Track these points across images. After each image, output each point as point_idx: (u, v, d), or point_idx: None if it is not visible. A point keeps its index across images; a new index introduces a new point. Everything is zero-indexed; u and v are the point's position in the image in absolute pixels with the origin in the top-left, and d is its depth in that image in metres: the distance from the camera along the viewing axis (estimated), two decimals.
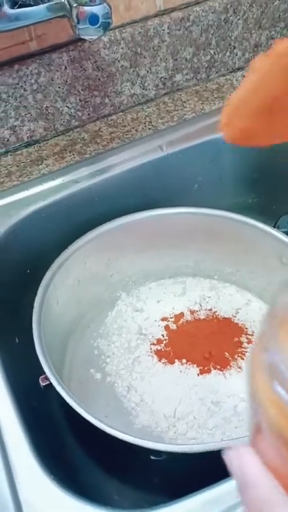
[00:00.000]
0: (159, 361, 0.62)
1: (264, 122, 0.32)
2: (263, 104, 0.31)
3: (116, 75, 0.73)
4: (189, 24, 0.74)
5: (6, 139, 0.71)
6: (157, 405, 0.58)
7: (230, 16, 0.77)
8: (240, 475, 0.23)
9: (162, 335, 0.65)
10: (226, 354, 0.62)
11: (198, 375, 0.61)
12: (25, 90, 0.68)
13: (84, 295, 0.67)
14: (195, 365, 0.61)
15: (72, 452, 0.58)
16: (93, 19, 0.55)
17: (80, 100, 0.73)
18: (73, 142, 0.73)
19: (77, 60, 0.69)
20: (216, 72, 0.82)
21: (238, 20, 0.78)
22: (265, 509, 0.22)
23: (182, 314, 0.67)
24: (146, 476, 0.53)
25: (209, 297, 0.69)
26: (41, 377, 0.51)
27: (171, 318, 0.67)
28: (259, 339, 0.24)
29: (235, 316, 0.67)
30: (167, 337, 0.65)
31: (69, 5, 0.56)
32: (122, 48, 0.71)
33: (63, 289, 0.61)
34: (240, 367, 0.61)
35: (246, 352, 0.63)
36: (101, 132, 0.75)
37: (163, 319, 0.67)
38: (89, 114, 0.75)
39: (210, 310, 0.68)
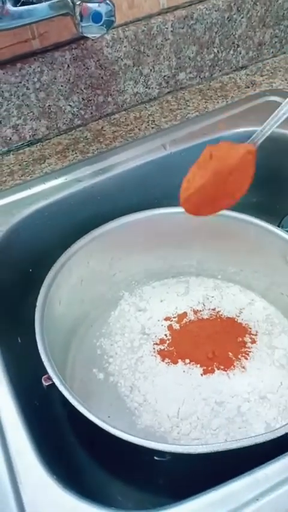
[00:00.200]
0: (163, 361, 0.62)
1: (210, 202, 0.49)
2: (208, 193, 0.48)
3: (119, 73, 0.73)
4: (192, 23, 0.74)
5: (8, 138, 0.71)
6: (160, 405, 0.58)
7: (234, 14, 0.76)
8: None
9: (166, 335, 0.65)
10: (230, 353, 0.62)
11: (201, 375, 0.60)
12: (28, 88, 0.68)
13: (87, 295, 0.66)
14: (198, 365, 0.61)
15: (75, 453, 0.57)
16: (96, 17, 0.55)
17: (82, 99, 0.73)
18: (76, 141, 0.73)
19: (79, 58, 0.69)
20: (220, 71, 0.82)
21: (242, 18, 0.77)
22: None
23: (185, 314, 0.67)
24: (149, 477, 0.53)
25: (213, 297, 0.69)
26: (43, 377, 0.50)
27: (174, 317, 0.67)
28: None
29: (239, 316, 0.67)
30: (170, 337, 0.65)
31: (72, 3, 0.56)
32: (125, 46, 0.71)
33: (65, 289, 0.61)
34: (244, 367, 0.61)
35: (250, 352, 0.63)
36: (104, 131, 0.74)
37: (166, 319, 0.67)
38: (91, 113, 0.75)
39: (214, 309, 0.68)
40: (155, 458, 0.46)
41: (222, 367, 0.61)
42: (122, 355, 0.63)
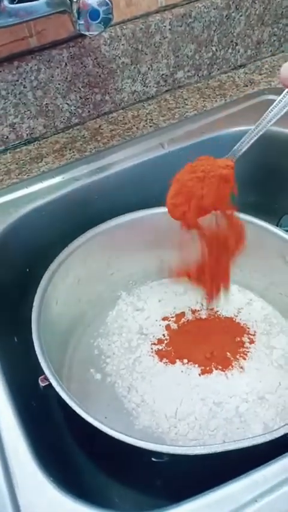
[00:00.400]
0: (160, 361, 0.62)
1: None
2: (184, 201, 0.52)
3: (116, 72, 0.73)
4: (191, 21, 0.73)
5: (5, 137, 0.70)
6: (158, 406, 0.57)
7: (232, 12, 0.76)
8: None
9: (163, 335, 0.65)
10: (228, 354, 0.62)
11: (199, 375, 0.60)
12: (25, 87, 0.67)
13: (85, 294, 0.66)
14: (196, 365, 0.61)
15: (72, 454, 0.57)
16: (93, 14, 0.55)
17: (80, 97, 0.72)
18: (73, 140, 0.73)
19: (77, 56, 0.69)
20: (218, 69, 0.81)
21: (240, 16, 0.77)
22: None
23: (183, 313, 0.67)
24: (147, 479, 0.53)
25: None
26: (40, 377, 0.50)
27: (172, 317, 0.66)
28: None
29: (237, 316, 0.67)
30: (168, 337, 0.64)
31: (70, 0, 0.55)
32: (122, 44, 0.70)
33: (63, 288, 0.60)
34: (242, 367, 0.60)
35: (248, 352, 0.62)
36: (102, 129, 0.74)
37: (164, 319, 0.66)
38: (89, 112, 0.74)
39: (212, 309, 0.67)
40: (153, 459, 0.45)
41: (220, 367, 0.61)
42: (119, 355, 0.63)
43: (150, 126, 0.73)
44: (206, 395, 0.58)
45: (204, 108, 0.75)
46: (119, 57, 0.71)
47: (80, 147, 0.71)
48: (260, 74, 0.81)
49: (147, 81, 0.76)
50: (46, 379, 0.48)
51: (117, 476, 0.55)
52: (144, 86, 0.76)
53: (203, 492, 0.39)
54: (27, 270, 0.65)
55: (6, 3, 0.55)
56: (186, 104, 0.77)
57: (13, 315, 0.61)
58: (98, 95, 0.73)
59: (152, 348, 0.63)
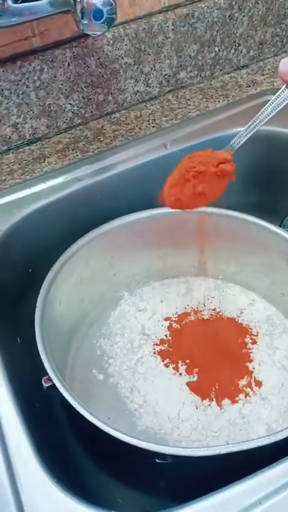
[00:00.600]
0: (163, 361, 0.62)
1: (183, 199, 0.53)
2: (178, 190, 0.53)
3: (119, 72, 0.72)
4: (193, 21, 0.73)
5: (8, 137, 0.70)
6: (161, 407, 0.57)
7: (235, 13, 0.76)
8: None
9: (166, 335, 0.64)
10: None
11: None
12: (28, 87, 0.67)
13: (87, 295, 0.66)
14: (199, 366, 0.61)
15: (75, 455, 0.57)
16: (97, 14, 0.54)
17: (83, 97, 0.72)
18: (76, 140, 0.72)
19: (80, 56, 0.68)
20: (221, 70, 0.81)
21: (243, 16, 0.77)
22: None
23: (185, 314, 0.67)
24: (150, 479, 0.53)
25: (213, 297, 0.69)
26: (43, 378, 0.50)
27: (174, 317, 0.66)
28: None
29: (239, 316, 0.66)
30: (170, 337, 0.64)
31: (73, 0, 0.55)
32: (125, 44, 0.70)
33: (65, 289, 0.60)
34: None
35: (250, 352, 0.62)
36: (104, 129, 0.74)
37: (166, 319, 0.66)
38: (92, 112, 0.74)
39: (214, 310, 0.67)
40: (157, 460, 0.45)
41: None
42: (122, 356, 0.63)
43: (153, 127, 0.73)
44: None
45: (207, 109, 0.75)
46: (122, 58, 0.71)
47: (83, 148, 0.71)
48: (263, 75, 0.81)
49: (150, 82, 0.76)
50: (49, 379, 0.48)
51: (120, 477, 0.55)
52: (147, 86, 0.76)
53: (207, 494, 0.39)
54: (30, 270, 0.65)
55: (9, 2, 0.55)
56: (189, 105, 0.77)
57: (16, 315, 0.61)
58: (100, 95, 0.73)
59: (154, 349, 0.63)
